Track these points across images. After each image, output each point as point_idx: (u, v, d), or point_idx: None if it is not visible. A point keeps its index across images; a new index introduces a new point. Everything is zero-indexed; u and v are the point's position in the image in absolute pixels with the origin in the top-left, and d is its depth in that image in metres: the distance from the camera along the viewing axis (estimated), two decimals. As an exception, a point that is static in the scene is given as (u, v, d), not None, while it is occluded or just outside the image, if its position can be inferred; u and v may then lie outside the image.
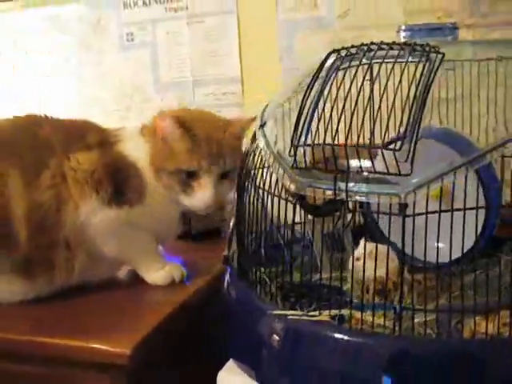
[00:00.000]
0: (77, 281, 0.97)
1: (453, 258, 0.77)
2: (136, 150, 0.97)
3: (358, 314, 0.71)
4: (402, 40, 0.87)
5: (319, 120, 0.75)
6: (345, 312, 0.72)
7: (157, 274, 1.00)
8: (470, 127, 0.96)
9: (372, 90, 0.70)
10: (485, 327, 0.72)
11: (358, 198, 0.69)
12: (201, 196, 0.95)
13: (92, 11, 1.45)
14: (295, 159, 0.73)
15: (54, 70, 1.53)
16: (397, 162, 0.65)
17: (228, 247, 0.98)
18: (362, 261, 0.84)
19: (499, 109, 0.92)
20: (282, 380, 0.75)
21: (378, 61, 0.73)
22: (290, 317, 0.73)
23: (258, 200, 0.92)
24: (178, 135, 0.93)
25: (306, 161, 0.73)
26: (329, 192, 0.70)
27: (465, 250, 0.81)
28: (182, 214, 1.04)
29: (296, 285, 0.82)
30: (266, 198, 0.88)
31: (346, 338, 0.69)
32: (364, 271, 0.81)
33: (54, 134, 0.96)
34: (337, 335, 0.70)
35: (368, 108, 0.70)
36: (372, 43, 0.77)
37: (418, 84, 0.67)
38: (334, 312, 0.73)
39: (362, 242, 0.90)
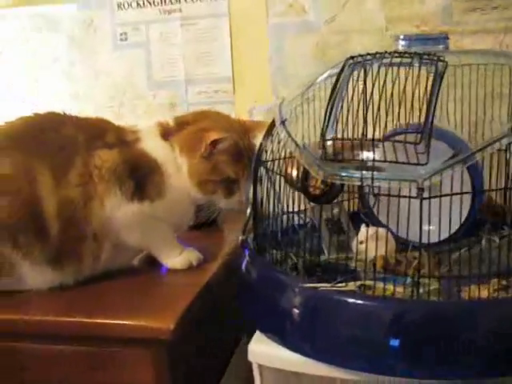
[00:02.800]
0: (101, 270, 1.04)
1: (445, 236, 0.91)
2: (157, 150, 1.04)
3: (378, 285, 0.83)
4: (400, 48, 0.99)
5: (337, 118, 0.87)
6: (367, 283, 0.84)
7: (176, 259, 1.08)
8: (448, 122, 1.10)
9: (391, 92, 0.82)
10: (478, 293, 0.86)
11: (380, 184, 0.80)
12: (238, 198, 1.07)
13: (84, 11, 1.51)
14: (325, 151, 0.84)
15: (43, 69, 1.57)
16: (417, 153, 0.77)
17: (243, 231, 1.09)
18: (365, 243, 0.96)
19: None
20: (310, 346, 0.86)
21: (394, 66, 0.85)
22: (322, 288, 0.84)
23: (272, 190, 1.03)
24: (227, 152, 1.04)
25: (333, 153, 0.84)
26: (355, 179, 0.81)
27: (457, 230, 0.96)
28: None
29: (317, 263, 0.93)
30: (280, 187, 1.01)
31: (369, 303, 0.81)
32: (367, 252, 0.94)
33: (77, 132, 1.03)
34: (360, 301, 0.81)
35: (384, 107, 0.82)
36: (385, 52, 0.89)
37: (432, 88, 0.79)
38: (358, 283, 0.84)
39: (363, 227, 1.03)
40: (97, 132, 1.05)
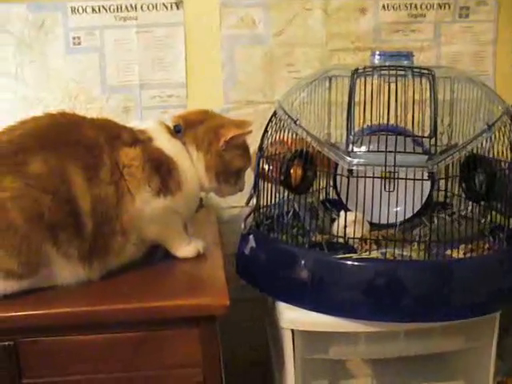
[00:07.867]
0: (120, 264, 1.10)
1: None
2: (170, 147, 1.13)
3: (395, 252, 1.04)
4: (376, 62, 1.20)
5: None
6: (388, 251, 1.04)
7: (186, 248, 1.17)
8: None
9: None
10: (457, 254, 1.10)
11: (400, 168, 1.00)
12: (242, 185, 1.21)
13: (35, 13, 1.49)
14: (352, 146, 1.02)
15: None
16: (430, 145, 0.99)
17: (244, 223, 1.23)
18: (350, 226, 1.16)
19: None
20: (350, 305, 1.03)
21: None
22: (355, 257, 1.01)
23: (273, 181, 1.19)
24: (241, 146, 1.17)
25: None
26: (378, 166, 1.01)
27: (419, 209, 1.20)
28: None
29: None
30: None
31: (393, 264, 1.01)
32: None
33: (97, 133, 1.07)
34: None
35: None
36: (383, 66, 1.09)
37: (432, 94, 1.01)
38: (380, 251, 1.04)
39: (342, 213, 1.22)
40: (113, 132, 1.10)
